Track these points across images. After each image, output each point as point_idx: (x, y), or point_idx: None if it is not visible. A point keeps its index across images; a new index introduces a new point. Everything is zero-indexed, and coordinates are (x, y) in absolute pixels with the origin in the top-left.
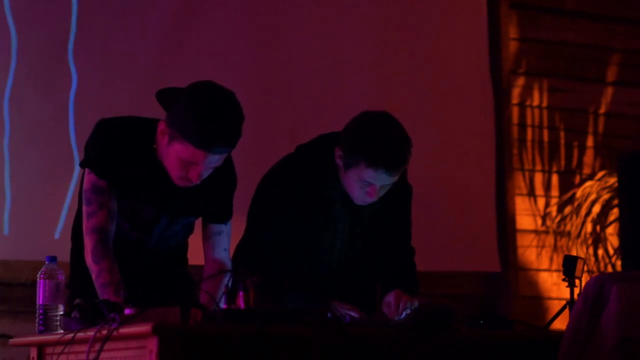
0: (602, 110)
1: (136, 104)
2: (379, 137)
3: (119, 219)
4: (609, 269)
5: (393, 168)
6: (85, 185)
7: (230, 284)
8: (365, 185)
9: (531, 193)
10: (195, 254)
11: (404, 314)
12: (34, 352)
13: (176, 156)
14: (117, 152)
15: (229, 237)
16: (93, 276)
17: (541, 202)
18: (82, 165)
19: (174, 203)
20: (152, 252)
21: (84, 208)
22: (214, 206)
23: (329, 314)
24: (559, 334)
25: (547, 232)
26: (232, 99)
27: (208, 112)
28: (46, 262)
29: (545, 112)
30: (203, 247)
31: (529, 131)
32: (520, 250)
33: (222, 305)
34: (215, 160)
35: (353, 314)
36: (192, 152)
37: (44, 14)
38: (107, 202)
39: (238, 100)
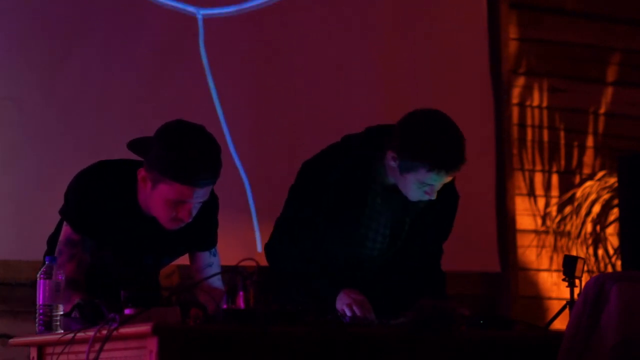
0: (602, 110)
1: (137, 104)
2: (438, 142)
3: (104, 268)
4: (609, 269)
5: (455, 169)
6: (61, 236)
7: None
8: (423, 186)
9: (531, 193)
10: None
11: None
12: (34, 352)
13: (163, 198)
14: (96, 206)
15: (219, 267)
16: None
17: (541, 202)
18: (61, 213)
19: (159, 249)
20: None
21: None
22: (200, 233)
23: (329, 314)
24: (559, 334)
25: (547, 232)
26: (204, 132)
27: (186, 148)
28: (46, 262)
29: (545, 112)
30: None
31: (529, 131)
32: (520, 250)
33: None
34: (202, 194)
35: (356, 309)
36: (179, 190)
37: (44, 14)
38: (77, 254)
39: (209, 132)
